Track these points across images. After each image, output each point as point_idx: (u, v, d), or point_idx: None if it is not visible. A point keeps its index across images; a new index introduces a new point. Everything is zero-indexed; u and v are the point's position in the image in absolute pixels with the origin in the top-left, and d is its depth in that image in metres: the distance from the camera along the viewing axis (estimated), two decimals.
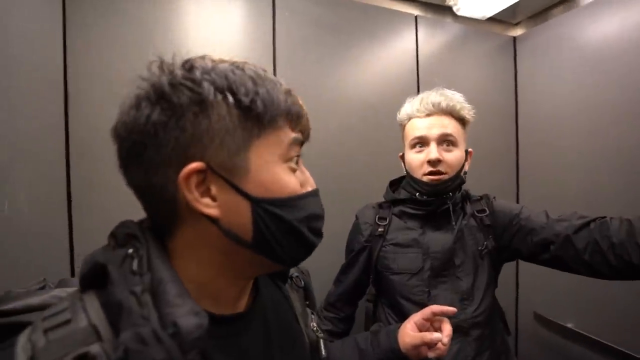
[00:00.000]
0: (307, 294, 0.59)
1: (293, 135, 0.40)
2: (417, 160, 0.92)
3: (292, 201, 0.39)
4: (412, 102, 0.96)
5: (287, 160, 0.40)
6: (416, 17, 1.45)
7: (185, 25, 1.12)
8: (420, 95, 0.95)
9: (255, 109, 0.36)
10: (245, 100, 0.36)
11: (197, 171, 0.35)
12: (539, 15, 1.62)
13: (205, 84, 0.35)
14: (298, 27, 1.26)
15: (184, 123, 0.34)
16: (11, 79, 0.84)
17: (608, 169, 1.29)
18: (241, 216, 0.37)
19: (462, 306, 0.89)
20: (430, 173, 0.90)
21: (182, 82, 0.35)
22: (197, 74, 0.35)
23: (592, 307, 1.31)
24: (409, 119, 0.96)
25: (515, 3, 1.44)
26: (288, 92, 0.40)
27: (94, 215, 1.00)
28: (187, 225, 0.38)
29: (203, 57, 0.38)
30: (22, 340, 0.29)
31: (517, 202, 1.66)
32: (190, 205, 0.35)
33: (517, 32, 1.70)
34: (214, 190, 0.36)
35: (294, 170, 0.41)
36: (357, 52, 1.35)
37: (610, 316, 1.26)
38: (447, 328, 0.66)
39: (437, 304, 0.87)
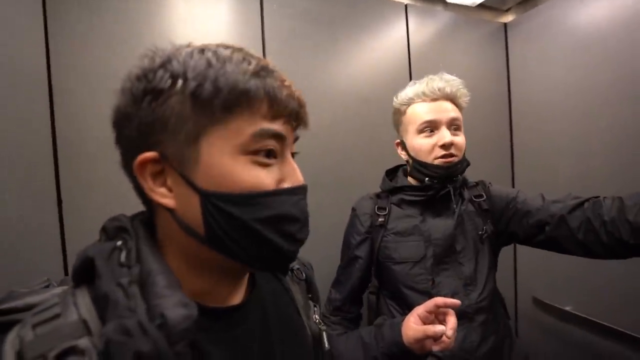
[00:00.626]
0: (309, 286, 0.57)
1: (262, 126, 0.35)
2: (427, 144, 0.91)
3: (250, 198, 0.35)
4: (413, 86, 0.94)
5: (250, 152, 0.35)
6: (406, 5, 1.44)
7: (173, 20, 1.10)
8: (424, 80, 0.93)
9: (202, 93, 0.33)
10: (192, 84, 0.33)
11: (152, 160, 0.35)
12: (528, 1, 1.61)
13: (160, 72, 0.34)
14: (287, 20, 1.24)
15: (141, 112, 0.34)
16: None
17: (601, 152, 1.29)
18: (193, 209, 0.35)
19: (466, 292, 0.89)
20: (442, 156, 0.89)
21: (142, 71, 0.35)
22: (157, 62, 0.35)
23: (590, 289, 1.32)
24: (410, 103, 0.94)
25: None
26: (257, 73, 0.35)
27: (85, 214, 0.98)
28: (158, 216, 0.38)
29: (185, 45, 0.37)
30: (11, 336, 0.29)
31: (513, 187, 1.66)
32: (147, 194, 0.35)
33: (508, 18, 1.69)
34: (169, 180, 0.35)
35: (263, 165, 0.36)
36: (348, 44, 1.34)
37: (608, 298, 1.27)
38: (452, 320, 0.64)
39: (441, 291, 0.88)
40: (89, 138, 0.97)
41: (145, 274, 0.32)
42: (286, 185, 0.38)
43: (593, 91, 1.31)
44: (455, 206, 0.93)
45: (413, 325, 0.65)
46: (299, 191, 0.39)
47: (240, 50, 0.37)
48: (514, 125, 1.66)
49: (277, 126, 0.36)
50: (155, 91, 0.34)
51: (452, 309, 0.65)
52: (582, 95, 1.34)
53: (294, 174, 0.39)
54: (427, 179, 0.92)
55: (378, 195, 1.01)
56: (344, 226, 1.07)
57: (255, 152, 0.36)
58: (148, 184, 0.35)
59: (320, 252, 1.23)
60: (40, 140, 0.95)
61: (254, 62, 0.36)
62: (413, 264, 0.91)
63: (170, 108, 0.34)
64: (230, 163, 0.35)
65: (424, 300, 0.86)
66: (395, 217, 0.96)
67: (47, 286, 0.40)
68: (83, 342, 0.29)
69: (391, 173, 1.05)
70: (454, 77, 0.93)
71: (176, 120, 0.34)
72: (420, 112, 0.92)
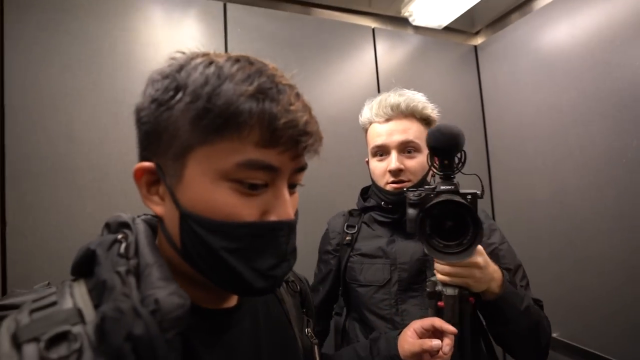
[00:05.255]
0: (303, 300, 0.57)
1: (250, 156, 0.33)
2: (379, 169, 0.87)
3: (226, 227, 0.33)
4: (369, 104, 0.89)
5: (233, 179, 0.33)
6: (373, 29, 1.47)
7: (135, 43, 1.12)
8: (379, 97, 0.88)
9: (193, 111, 0.32)
10: (186, 99, 0.33)
11: (149, 171, 0.36)
12: (497, 23, 1.65)
13: (167, 81, 0.34)
14: (251, 43, 1.26)
15: (147, 118, 0.35)
16: None
17: (572, 170, 1.26)
18: (174, 223, 0.35)
19: None
20: (393, 182, 0.84)
21: (158, 76, 0.35)
22: (167, 70, 0.35)
23: (576, 315, 1.25)
24: (370, 122, 0.89)
25: (473, 11, 1.47)
26: (255, 95, 0.32)
27: (29, 237, 0.94)
28: (159, 221, 0.39)
29: (202, 54, 0.36)
30: (8, 319, 0.30)
31: (492, 208, 1.62)
32: (142, 200, 0.37)
33: (478, 40, 1.72)
34: (161, 190, 0.36)
35: (245, 194, 0.34)
36: (314, 67, 1.36)
37: (594, 323, 1.20)
38: (449, 339, 0.62)
39: (406, 320, 0.80)
40: (39, 158, 0.96)
41: (142, 267, 0.33)
42: (271, 218, 0.35)
43: (560, 110, 1.30)
44: None
45: (410, 339, 0.64)
46: (280, 227, 0.36)
47: (252, 64, 0.34)
48: (489, 147, 1.65)
49: (270, 156, 0.34)
50: (159, 100, 0.34)
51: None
52: (550, 115, 1.34)
53: (280, 208, 0.36)
54: (382, 202, 0.87)
55: (351, 213, 0.97)
56: (312, 249, 1.02)
57: (239, 181, 0.34)
58: (143, 191, 0.37)
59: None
60: None
61: (256, 82, 0.33)
62: (377, 288, 0.85)
63: (168, 120, 0.33)
64: (210, 187, 0.33)
65: (388, 327, 0.82)
66: (363, 237, 0.91)
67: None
68: (76, 329, 0.29)
69: (366, 192, 1.01)
70: (413, 92, 0.87)
71: (171, 133, 0.33)
72: (372, 134, 0.87)
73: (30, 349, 0.27)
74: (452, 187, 0.65)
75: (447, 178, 0.66)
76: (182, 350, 0.32)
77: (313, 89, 1.35)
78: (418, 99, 0.86)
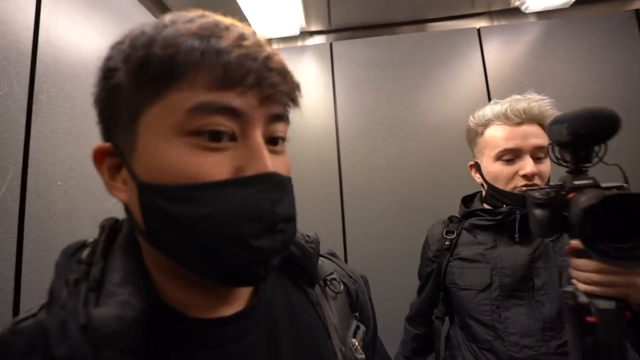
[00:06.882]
0: (353, 302, 0.45)
1: (202, 98, 0.27)
2: (506, 172, 0.84)
3: (184, 191, 0.27)
4: (494, 106, 0.87)
5: (189, 133, 0.27)
6: (479, 29, 1.39)
7: None
8: (507, 100, 0.86)
9: (131, 66, 0.28)
10: (120, 57, 0.29)
11: (108, 153, 0.31)
12: None
13: (111, 52, 0.30)
14: (353, 70, 1.44)
15: (97, 99, 0.31)
16: None
17: None
18: (136, 202, 0.29)
19: (544, 337, 0.76)
20: (524, 186, 0.82)
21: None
22: (122, 36, 0.30)
23: None
24: (488, 125, 0.87)
25: None
26: (198, 34, 0.27)
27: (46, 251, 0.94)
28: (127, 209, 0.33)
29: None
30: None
31: None
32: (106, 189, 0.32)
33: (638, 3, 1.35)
34: (123, 172, 0.31)
35: (210, 149, 0.28)
36: (414, 81, 1.41)
37: None
38: None
39: (509, 328, 0.80)
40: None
41: (107, 271, 0.30)
42: (247, 173, 0.29)
43: None
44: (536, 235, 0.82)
45: None
46: (256, 181, 0.28)
47: (202, 14, 0.30)
48: None
49: (228, 98, 0.28)
50: (102, 72, 0.30)
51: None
52: None
53: (256, 160, 0.29)
54: (504, 206, 0.85)
55: (451, 219, 0.98)
56: (413, 255, 1.09)
57: (198, 133, 0.28)
58: (105, 178, 0.31)
59: (391, 281, 1.26)
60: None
61: (199, 22, 0.28)
62: (477, 292, 0.84)
63: (113, 88, 0.29)
64: (164, 147, 0.28)
65: (489, 335, 0.82)
66: (463, 243, 0.91)
67: None
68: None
69: (469, 200, 1.01)
70: (542, 97, 0.85)
71: (117, 101, 0.29)
72: (500, 137, 0.84)
73: None
74: (591, 181, 0.54)
75: (579, 172, 0.55)
76: None
77: (415, 103, 1.40)
78: (547, 105, 0.84)
